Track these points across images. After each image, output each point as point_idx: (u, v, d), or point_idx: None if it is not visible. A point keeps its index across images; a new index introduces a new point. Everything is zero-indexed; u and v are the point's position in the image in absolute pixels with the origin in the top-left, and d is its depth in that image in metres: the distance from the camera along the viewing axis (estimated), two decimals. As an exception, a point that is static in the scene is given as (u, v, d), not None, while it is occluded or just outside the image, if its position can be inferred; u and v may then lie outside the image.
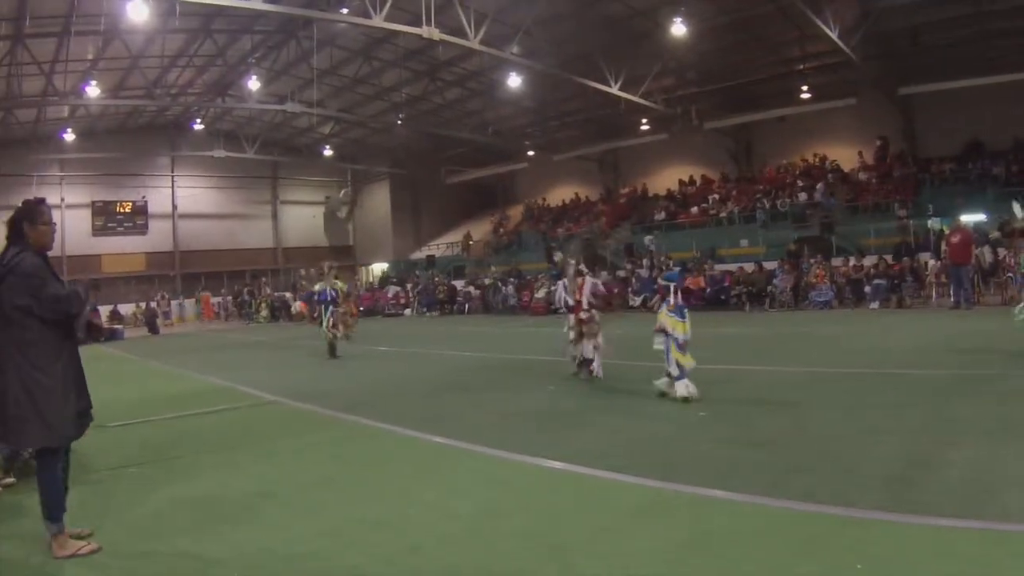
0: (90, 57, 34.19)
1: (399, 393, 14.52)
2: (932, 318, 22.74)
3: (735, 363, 15.50)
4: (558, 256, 21.14)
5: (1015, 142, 34.42)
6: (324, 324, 21.96)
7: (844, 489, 6.64)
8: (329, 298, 22.04)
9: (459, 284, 45.47)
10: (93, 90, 34.83)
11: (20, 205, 6.35)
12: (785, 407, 10.63)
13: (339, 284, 22.47)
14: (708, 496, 6.73)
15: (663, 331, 11.93)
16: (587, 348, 14.23)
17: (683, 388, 11.41)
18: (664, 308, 12.12)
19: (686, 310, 12.08)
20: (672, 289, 12.30)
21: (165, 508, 7.33)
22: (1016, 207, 14.52)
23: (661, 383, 11.87)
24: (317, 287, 22.61)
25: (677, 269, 16.06)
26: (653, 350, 12.13)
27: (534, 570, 5.33)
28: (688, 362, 11.64)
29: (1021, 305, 12.98)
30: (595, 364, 14.09)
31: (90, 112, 42.98)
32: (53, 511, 6.05)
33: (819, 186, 37.37)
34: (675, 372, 11.60)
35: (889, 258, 28.74)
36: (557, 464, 8.10)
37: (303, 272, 23.14)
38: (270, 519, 6.85)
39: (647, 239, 41.01)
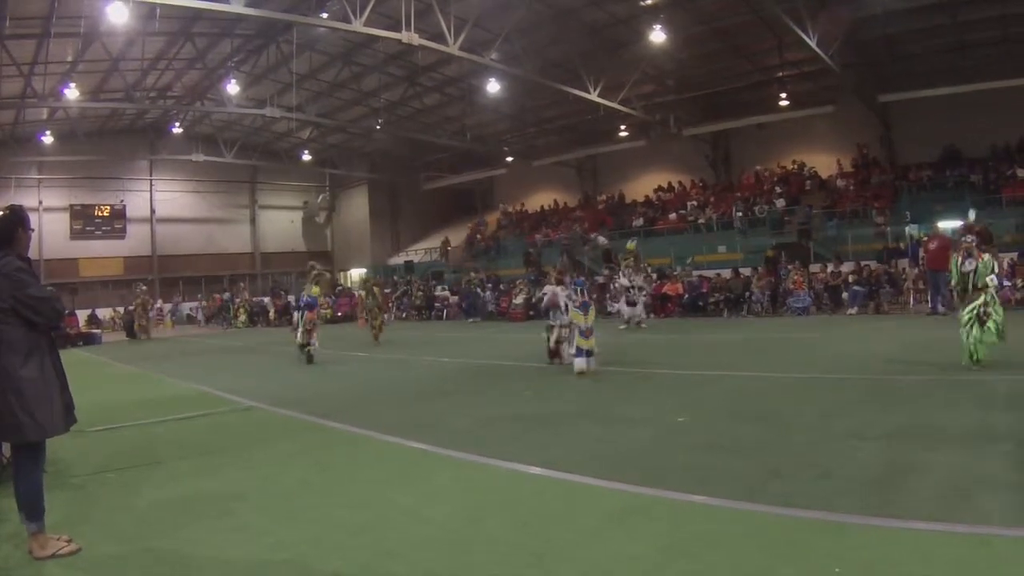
0: (70, 59, 34.12)
1: (377, 399, 14.49)
2: (910, 324, 22.86)
3: (713, 369, 15.54)
4: (561, 262, 23.13)
5: (992, 149, 34.77)
6: (298, 330, 21.88)
7: (823, 494, 6.68)
8: (304, 304, 21.99)
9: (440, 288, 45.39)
10: (72, 92, 34.72)
11: (10, 210, 6.41)
12: (763, 412, 10.61)
13: (315, 289, 22.38)
14: (687, 501, 6.74)
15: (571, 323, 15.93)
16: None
17: (582, 364, 15.28)
18: (572, 306, 15.93)
19: (589, 306, 15.89)
20: (578, 291, 16.29)
21: (144, 512, 7.32)
22: (971, 214, 14.78)
23: (578, 363, 15.32)
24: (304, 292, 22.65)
25: (581, 278, 18.21)
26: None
27: (515, 575, 5.33)
28: (589, 344, 15.45)
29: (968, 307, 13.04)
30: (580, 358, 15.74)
31: (69, 115, 42.83)
32: (33, 510, 6.06)
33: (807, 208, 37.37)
34: (572, 351, 15.80)
35: (872, 264, 28.83)
36: (535, 469, 8.09)
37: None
38: (248, 524, 6.83)
39: (600, 238, 41.11)
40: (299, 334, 21.73)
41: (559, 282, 17.18)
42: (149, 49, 35.37)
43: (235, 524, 6.84)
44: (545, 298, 17.18)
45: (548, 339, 17.21)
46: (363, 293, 28.24)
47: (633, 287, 26.75)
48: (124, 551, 6.20)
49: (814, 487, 6.92)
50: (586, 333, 15.52)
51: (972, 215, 15.04)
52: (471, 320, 37.27)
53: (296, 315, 23.03)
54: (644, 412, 11.18)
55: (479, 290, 39.82)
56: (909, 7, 28.31)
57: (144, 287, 40.53)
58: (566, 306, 16.46)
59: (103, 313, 46.01)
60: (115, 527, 6.87)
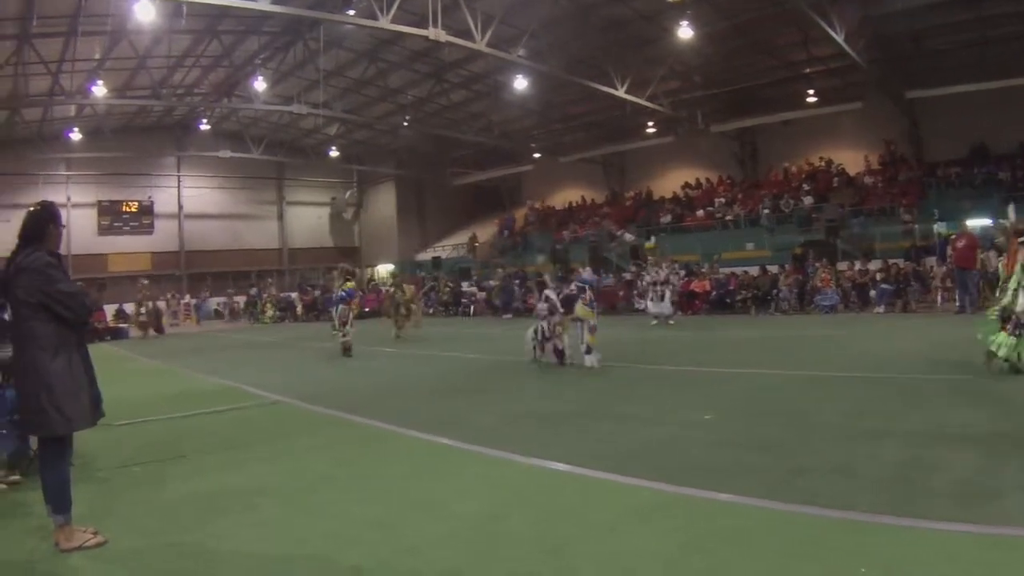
0: (97, 57, 34.18)
1: (402, 394, 14.54)
2: (937, 323, 22.68)
3: (739, 366, 15.48)
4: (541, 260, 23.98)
5: (1021, 146, 34.41)
6: (334, 324, 22.55)
7: (846, 492, 6.66)
8: (339, 298, 22.54)
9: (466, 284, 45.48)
10: (99, 90, 34.75)
11: (41, 206, 6.49)
12: (787, 410, 10.62)
13: (349, 284, 22.92)
14: (709, 498, 6.73)
15: (579, 319, 16.39)
16: (563, 341, 17.05)
17: (592, 360, 15.97)
18: (580, 303, 16.31)
19: (595, 303, 16.82)
20: (587, 289, 16.76)
21: (169, 506, 7.39)
22: (1011, 211, 14.46)
23: (589, 360, 16.03)
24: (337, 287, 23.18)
25: (588, 270, 19.42)
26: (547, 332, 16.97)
27: (534, 571, 5.34)
28: (594, 342, 16.11)
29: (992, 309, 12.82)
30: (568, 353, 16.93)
31: (96, 112, 42.92)
32: (60, 503, 6.14)
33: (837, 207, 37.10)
34: (584, 349, 16.18)
35: (900, 262, 28.66)
36: (558, 465, 8.11)
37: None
38: (272, 519, 6.89)
39: (627, 235, 41.14)
40: (338, 327, 22.27)
41: (545, 284, 18.23)
42: (176, 47, 35.43)
43: (258, 519, 6.90)
44: (546, 305, 17.23)
45: (535, 338, 17.45)
46: (392, 289, 28.45)
47: (658, 284, 26.81)
48: (148, 544, 6.27)
49: (837, 485, 6.90)
50: (593, 330, 16.27)
51: (1013, 213, 14.69)
52: (506, 316, 37.11)
53: (333, 311, 23.27)
54: (666, 409, 11.21)
55: (517, 285, 39.50)
56: (936, 2, 28.12)
57: (146, 281, 40.63)
58: (564, 302, 16.86)
59: (130, 308, 46.21)
60: (139, 520, 6.94)
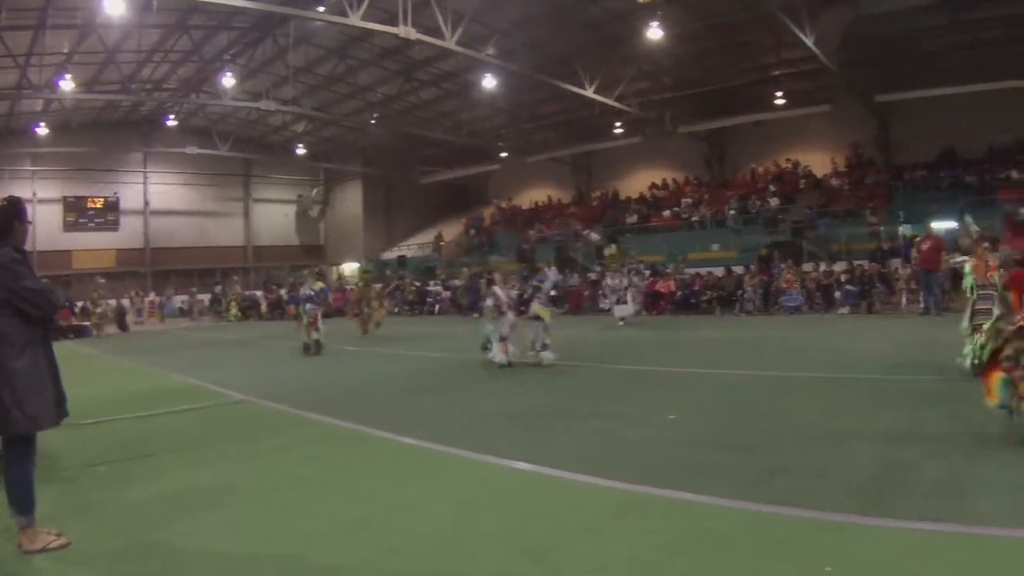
0: (65, 50, 33.94)
1: (369, 393, 14.51)
2: (902, 324, 22.84)
3: (706, 367, 15.50)
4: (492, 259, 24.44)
5: (989, 151, 34.83)
6: (303, 323, 22.45)
7: (817, 492, 6.69)
8: (303, 298, 22.48)
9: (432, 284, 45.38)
10: (67, 84, 34.58)
11: (7, 202, 6.40)
12: (756, 411, 10.64)
13: (319, 284, 23.05)
14: (682, 499, 6.75)
15: (537, 317, 16.66)
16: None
17: (551, 357, 16.29)
18: (536, 302, 16.91)
19: (563, 303, 16.49)
20: (544, 289, 17.73)
21: (136, 505, 7.33)
22: (967, 220, 14.47)
23: (546, 357, 16.32)
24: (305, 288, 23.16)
25: (554, 270, 19.88)
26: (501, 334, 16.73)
27: (510, 572, 5.34)
28: (550, 339, 16.53)
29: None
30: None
31: (64, 106, 42.71)
32: (24, 504, 6.06)
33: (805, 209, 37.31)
34: (539, 346, 16.48)
35: (865, 263, 28.81)
36: (529, 466, 8.10)
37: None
38: (240, 517, 6.85)
39: (593, 235, 41.38)
40: (304, 328, 22.27)
41: (493, 281, 17.97)
42: (145, 41, 35.19)
43: (227, 517, 6.86)
44: (491, 301, 17.27)
45: (492, 341, 17.22)
46: (360, 284, 28.53)
47: (619, 290, 27.04)
48: (116, 544, 6.21)
49: (809, 485, 6.93)
50: (547, 328, 16.70)
51: (968, 219, 14.72)
52: (472, 316, 37.12)
53: (299, 308, 23.25)
54: (636, 409, 11.20)
55: (471, 285, 39.35)
56: (907, 7, 28.27)
57: (102, 280, 40.43)
58: (517, 302, 17.39)
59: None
60: (107, 520, 6.89)
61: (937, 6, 28.44)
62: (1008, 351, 8.31)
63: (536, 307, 16.78)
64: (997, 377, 8.36)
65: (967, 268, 12.27)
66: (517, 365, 16.66)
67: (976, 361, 10.33)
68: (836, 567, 5.01)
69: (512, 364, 16.55)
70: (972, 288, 12.01)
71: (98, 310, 38.57)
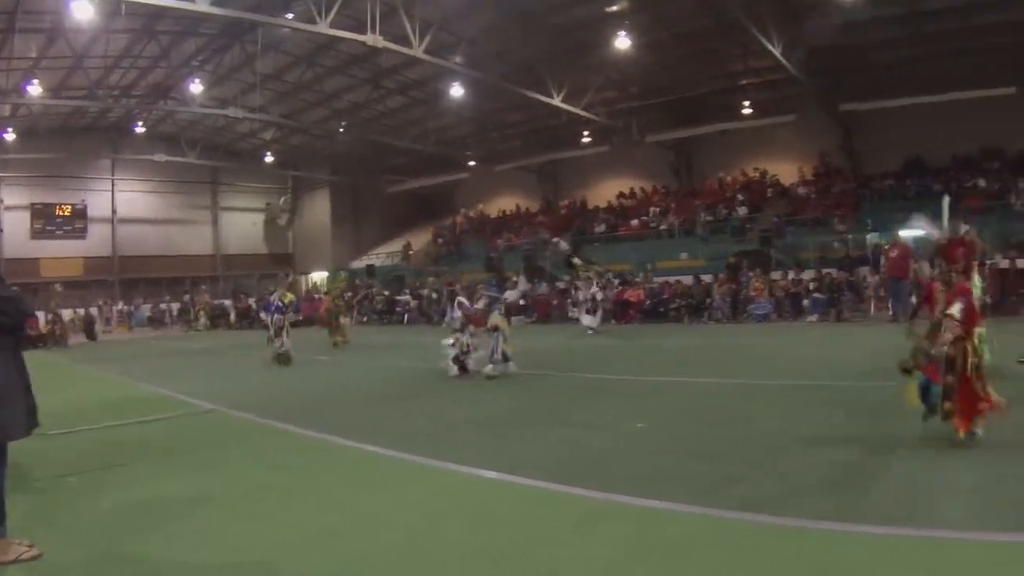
0: (33, 55, 33.83)
1: (337, 403, 14.57)
2: (870, 331, 22.96)
3: (674, 375, 15.64)
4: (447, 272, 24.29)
5: (954, 160, 35.18)
6: (271, 332, 22.34)
7: (781, 498, 6.79)
8: (273, 308, 22.43)
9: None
10: (35, 89, 34.46)
11: None
12: (723, 418, 10.75)
13: (290, 295, 22.96)
14: (647, 506, 6.81)
15: (496, 328, 16.33)
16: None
17: (514, 367, 16.22)
18: (496, 312, 16.70)
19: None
20: (505, 299, 17.87)
21: (108, 515, 7.33)
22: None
23: (489, 369, 16.02)
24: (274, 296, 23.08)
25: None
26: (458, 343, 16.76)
27: (477, 581, 5.34)
28: (510, 348, 16.36)
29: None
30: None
31: (32, 111, 42.34)
32: (-7, 515, 6.02)
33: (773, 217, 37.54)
34: (499, 358, 16.14)
35: (833, 271, 29.08)
36: (499, 474, 8.14)
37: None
38: (211, 527, 6.87)
39: (561, 243, 41.59)
40: (273, 337, 22.14)
41: (455, 294, 18.45)
42: (113, 47, 34.99)
43: (198, 527, 6.87)
44: (459, 312, 17.24)
45: (455, 352, 17.08)
46: (334, 296, 28.39)
47: (587, 300, 27.15)
48: (88, 555, 6.21)
49: (773, 491, 7.02)
50: (508, 338, 16.60)
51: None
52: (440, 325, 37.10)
53: (268, 318, 23.20)
54: (603, 417, 11.29)
55: (437, 294, 39.34)
56: (872, 18, 28.51)
57: (59, 288, 40.14)
58: (476, 311, 17.21)
59: (64, 314, 45.55)
60: (78, 531, 6.88)
61: (900, 18, 28.76)
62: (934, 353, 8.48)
63: (494, 318, 16.58)
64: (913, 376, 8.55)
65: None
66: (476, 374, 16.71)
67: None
68: (802, 572, 5.10)
69: (470, 372, 16.66)
70: None
71: (49, 316, 37.94)
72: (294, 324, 24.32)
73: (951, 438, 8.07)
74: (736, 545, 5.76)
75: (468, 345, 16.88)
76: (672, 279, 33.27)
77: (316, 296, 43.59)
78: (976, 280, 12.71)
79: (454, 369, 16.79)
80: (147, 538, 6.55)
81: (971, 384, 8.16)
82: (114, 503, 7.72)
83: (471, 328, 16.92)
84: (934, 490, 6.83)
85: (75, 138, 49.22)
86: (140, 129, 47.47)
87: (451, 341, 17.06)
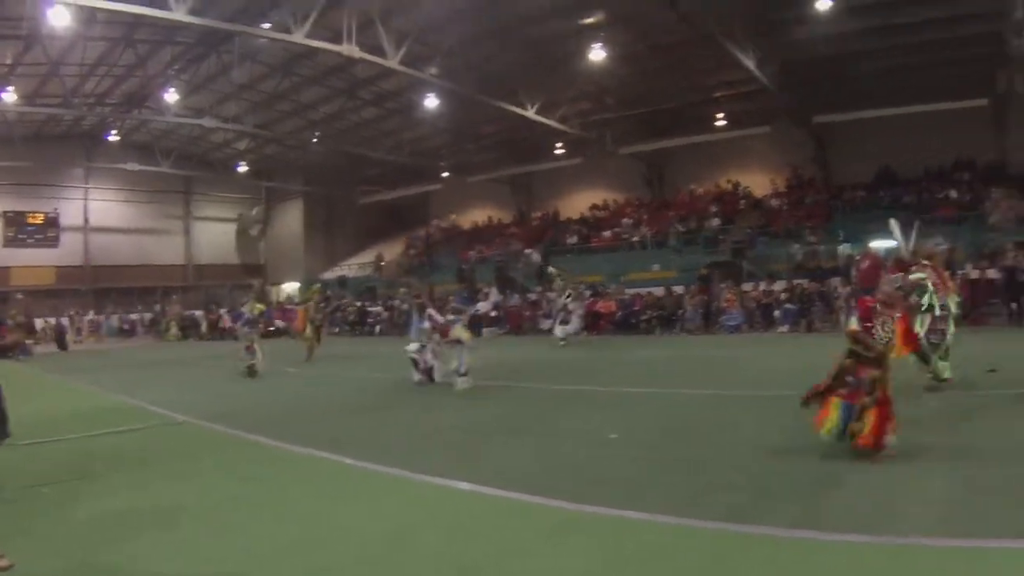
0: (9, 61, 33.69)
1: (308, 413, 14.57)
2: (840, 342, 22.98)
3: (647, 386, 15.65)
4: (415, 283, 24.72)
5: (926, 171, 35.48)
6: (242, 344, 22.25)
7: (753, 507, 6.87)
8: (244, 320, 22.36)
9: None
10: (9, 96, 34.35)
11: None
12: (697, 428, 10.86)
13: (260, 307, 22.88)
14: (621, 516, 6.84)
15: (459, 341, 16.35)
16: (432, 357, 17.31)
17: (468, 382, 15.95)
18: (459, 325, 16.65)
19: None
20: (467, 311, 18.49)
21: (81, 526, 7.36)
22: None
23: (461, 382, 15.91)
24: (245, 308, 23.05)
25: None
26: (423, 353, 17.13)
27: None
28: (473, 361, 16.38)
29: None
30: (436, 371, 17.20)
31: (6, 118, 42.23)
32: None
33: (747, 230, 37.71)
34: (463, 370, 16.03)
35: (804, 282, 29.31)
36: (471, 485, 8.18)
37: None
38: (184, 538, 6.90)
39: (534, 255, 41.73)
40: (244, 351, 21.95)
41: (424, 306, 17.82)
42: (89, 54, 34.80)
43: (171, 538, 6.89)
44: (428, 323, 17.18)
45: (421, 360, 17.34)
46: (310, 305, 28.18)
47: (562, 310, 27.21)
48: (63, 565, 6.24)
49: (747, 500, 7.10)
50: (471, 350, 16.67)
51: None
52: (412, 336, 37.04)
53: (241, 330, 23.18)
54: (575, 428, 11.36)
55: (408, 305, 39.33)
56: (845, 31, 28.68)
57: (20, 296, 39.89)
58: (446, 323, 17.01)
59: (36, 323, 45.33)
60: (52, 542, 6.89)
61: (873, 31, 28.93)
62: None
63: (457, 330, 16.59)
64: (835, 403, 8.58)
65: (929, 285, 12.30)
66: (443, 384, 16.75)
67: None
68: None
69: (433, 382, 16.93)
70: (932, 305, 12.13)
71: (9, 321, 37.49)
72: (268, 335, 24.24)
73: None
74: (711, 554, 5.84)
75: (433, 352, 17.06)
76: (644, 291, 33.40)
77: (288, 308, 43.42)
78: (953, 296, 12.70)
79: (417, 375, 17.11)
80: (121, 548, 6.57)
81: (891, 404, 8.26)
82: (89, 514, 7.73)
83: (437, 337, 16.91)
84: (906, 499, 6.91)
85: (48, 146, 48.93)
86: (114, 138, 47.35)
87: (415, 347, 17.34)
